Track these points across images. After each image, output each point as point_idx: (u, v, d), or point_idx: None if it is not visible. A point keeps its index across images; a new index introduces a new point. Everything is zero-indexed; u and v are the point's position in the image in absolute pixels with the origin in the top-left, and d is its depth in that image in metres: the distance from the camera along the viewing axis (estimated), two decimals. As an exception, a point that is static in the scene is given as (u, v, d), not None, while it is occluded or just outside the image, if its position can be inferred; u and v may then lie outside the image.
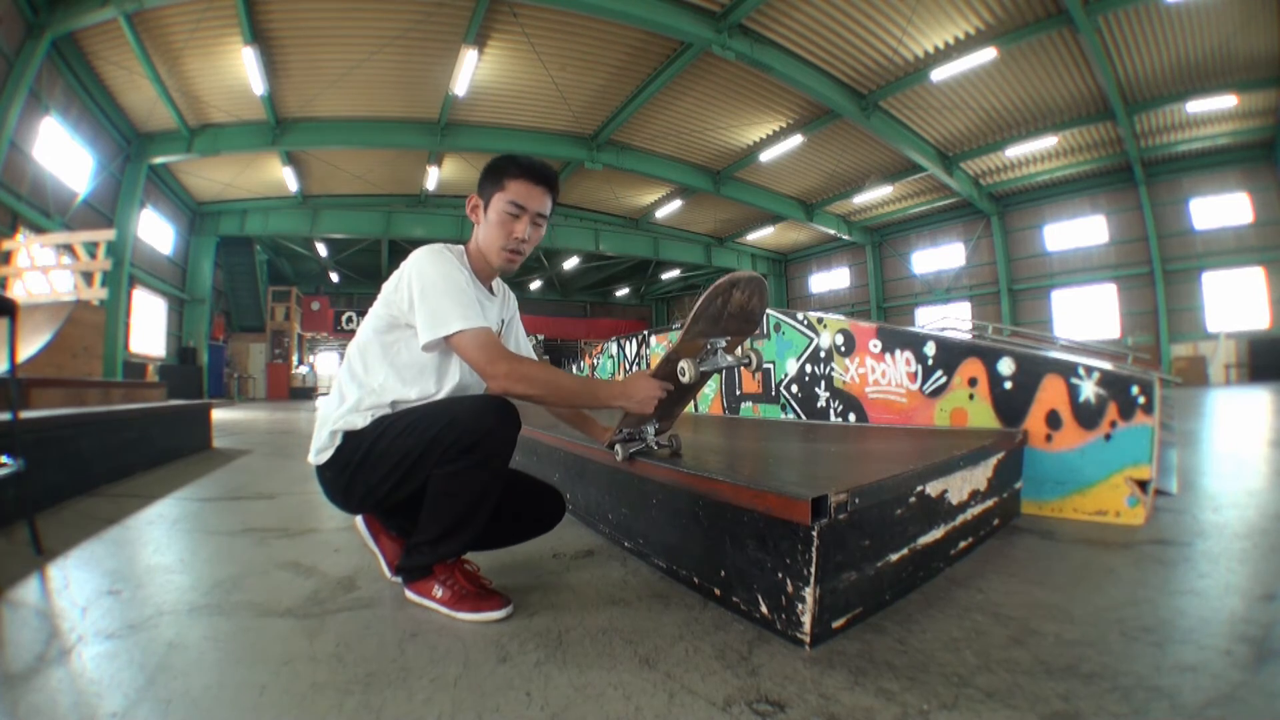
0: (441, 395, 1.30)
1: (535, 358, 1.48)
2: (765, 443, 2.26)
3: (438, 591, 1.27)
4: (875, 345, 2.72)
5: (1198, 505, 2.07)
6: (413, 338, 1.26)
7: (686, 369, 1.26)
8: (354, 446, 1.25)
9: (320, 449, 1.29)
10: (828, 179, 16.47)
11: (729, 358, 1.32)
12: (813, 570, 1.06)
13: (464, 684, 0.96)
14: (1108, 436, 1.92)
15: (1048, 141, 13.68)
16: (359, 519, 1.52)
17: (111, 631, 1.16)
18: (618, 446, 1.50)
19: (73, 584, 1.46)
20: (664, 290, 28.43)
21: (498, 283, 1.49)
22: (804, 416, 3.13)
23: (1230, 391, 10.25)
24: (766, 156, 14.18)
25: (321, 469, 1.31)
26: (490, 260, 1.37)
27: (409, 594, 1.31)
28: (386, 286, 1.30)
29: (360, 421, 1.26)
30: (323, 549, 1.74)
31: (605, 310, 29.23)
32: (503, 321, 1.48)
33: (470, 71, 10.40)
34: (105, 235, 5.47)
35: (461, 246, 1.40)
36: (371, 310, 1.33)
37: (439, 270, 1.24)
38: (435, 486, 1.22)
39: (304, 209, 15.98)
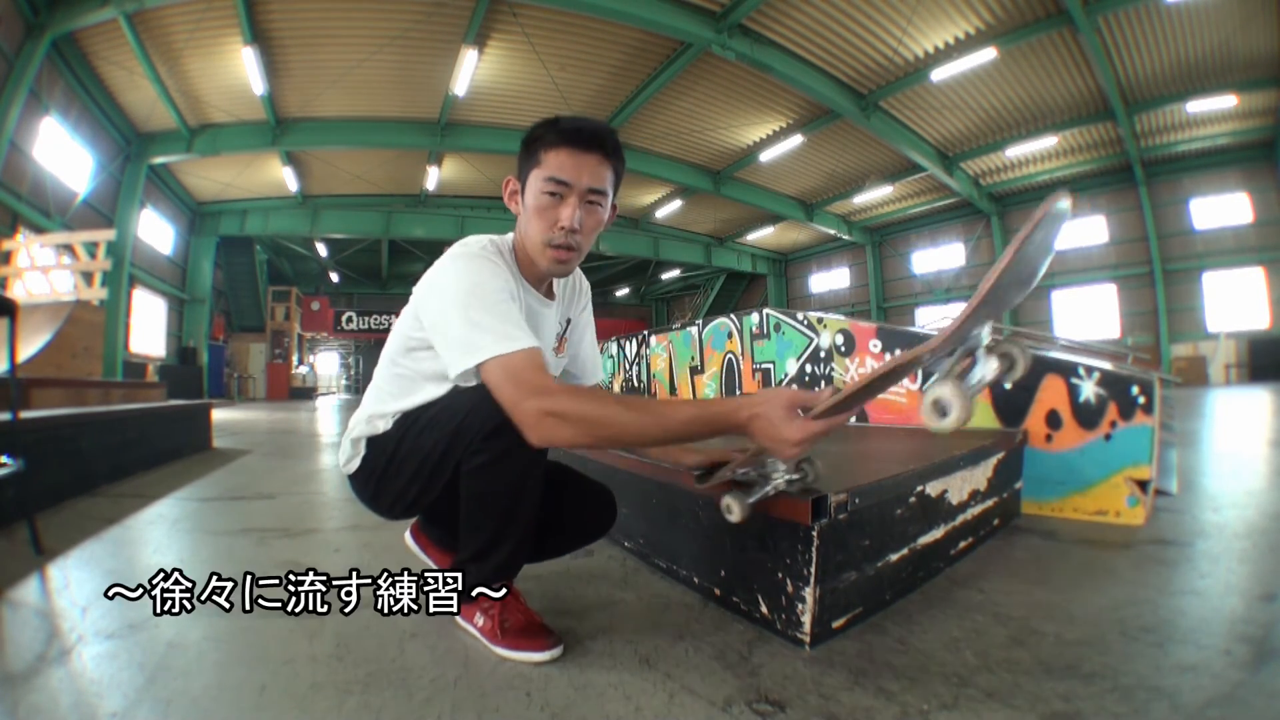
0: None
1: (599, 373, 1.35)
2: (765, 443, 2.26)
3: (478, 619, 1.10)
4: (875, 345, 2.72)
5: (1198, 505, 2.07)
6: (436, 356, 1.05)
7: (952, 404, 0.69)
8: (379, 453, 1.13)
9: (347, 459, 1.18)
10: (828, 179, 16.47)
11: (991, 362, 0.75)
12: (813, 570, 1.06)
13: (464, 684, 0.96)
14: (1108, 436, 1.92)
15: (1048, 141, 13.69)
16: (407, 534, 1.40)
17: (111, 631, 1.16)
18: (729, 501, 1.04)
19: (73, 584, 1.46)
20: (664, 290, 28.43)
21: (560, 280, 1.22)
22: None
23: (1230, 391, 10.25)
24: (766, 156, 14.19)
25: (351, 478, 1.21)
26: (535, 260, 1.10)
27: (457, 619, 1.16)
28: (419, 288, 1.09)
29: (384, 425, 1.12)
30: (323, 549, 1.74)
31: (605, 310, 29.18)
32: (566, 323, 1.27)
33: (470, 71, 10.40)
34: (105, 235, 5.47)
35: (509, 239, 1.15)
36: (406, 309, 1.14)
37: (470, 281, 0.99)
38: (467, 487, 1.04)
39: (304, 209, 15.99)
